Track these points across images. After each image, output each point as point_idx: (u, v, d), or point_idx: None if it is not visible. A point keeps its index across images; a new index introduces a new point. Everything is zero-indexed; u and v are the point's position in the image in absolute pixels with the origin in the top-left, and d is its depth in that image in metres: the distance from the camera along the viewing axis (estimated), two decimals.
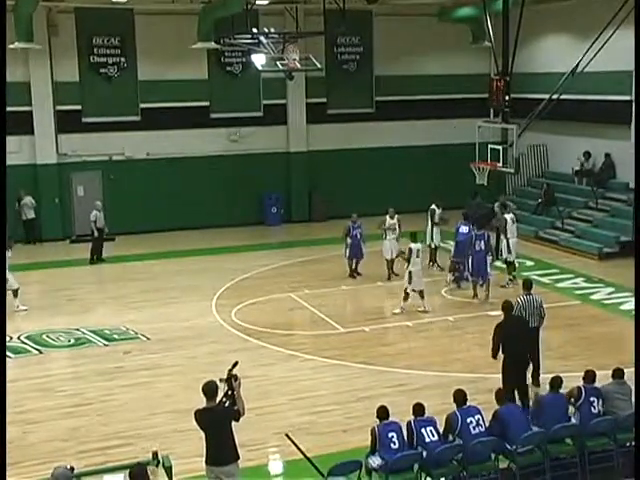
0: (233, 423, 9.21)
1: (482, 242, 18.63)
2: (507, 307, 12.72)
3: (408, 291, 17.81)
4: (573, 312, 18.00)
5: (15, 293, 18.43)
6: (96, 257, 23.15)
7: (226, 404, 9.17)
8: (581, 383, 11.01)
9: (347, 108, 28.75)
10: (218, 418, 9.13)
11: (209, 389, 9.16)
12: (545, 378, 12.36)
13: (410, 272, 17.67)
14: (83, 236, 26.25)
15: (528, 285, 13.65)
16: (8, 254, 18.40)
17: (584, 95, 24.62)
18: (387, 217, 20.81)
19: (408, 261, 17.73)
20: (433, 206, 21.36)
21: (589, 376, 11.05)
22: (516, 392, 12.20)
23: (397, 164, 29.06)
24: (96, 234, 23.11)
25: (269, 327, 17.21)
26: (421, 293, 17.90)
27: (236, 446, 9.27)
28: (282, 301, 19.08)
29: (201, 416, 9.17)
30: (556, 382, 10.91)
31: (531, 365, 13.09)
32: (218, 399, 9.19)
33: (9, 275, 17.91)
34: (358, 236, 20.61)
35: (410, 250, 17.73)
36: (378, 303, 19.08)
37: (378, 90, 29.17)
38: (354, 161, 28.70)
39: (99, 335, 16.96)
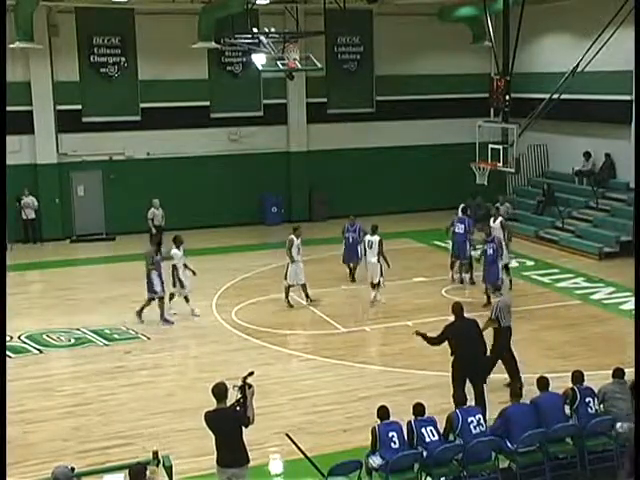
0: None
1: (492, 246, 17.81)
2: (456, 309, 12.43)
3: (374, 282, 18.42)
4: (573, 312, 18.00)
5: (187, 299, 18.11)
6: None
7: (237, 409, 9.14)
8: (572, 385, 10.96)
9: (347, 108, 28.76)
10: (228, 420, 9.09)
11: (219, 391, 9.13)
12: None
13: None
14: (83, 236, 26.32)
15: None
16: (177, 251, 18.20)
17: (584, 95, 24.62)
18: (293, 236, 18.80)
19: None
20: (498, 204, 20.55)
21: (578, 376, 11.02)
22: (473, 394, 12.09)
23: (397, 164, 29.06)
24: (154, 231, 23.33)
25: (269, 327, 17.22)
26: (374, 284, 18.35)
27: (246, 449, 9.22)
28: (282, 301, 19.04)
29: (211, 418, 9.13)
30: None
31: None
32: (229, 404, 9.15)
33: (186, 279, 17.99)
34: (350, 239, 20.17)
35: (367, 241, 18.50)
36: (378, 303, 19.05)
37: (378, 90, 29.17)
38: (354, 161, 28.72)
39: (99, 335, 16.97)
